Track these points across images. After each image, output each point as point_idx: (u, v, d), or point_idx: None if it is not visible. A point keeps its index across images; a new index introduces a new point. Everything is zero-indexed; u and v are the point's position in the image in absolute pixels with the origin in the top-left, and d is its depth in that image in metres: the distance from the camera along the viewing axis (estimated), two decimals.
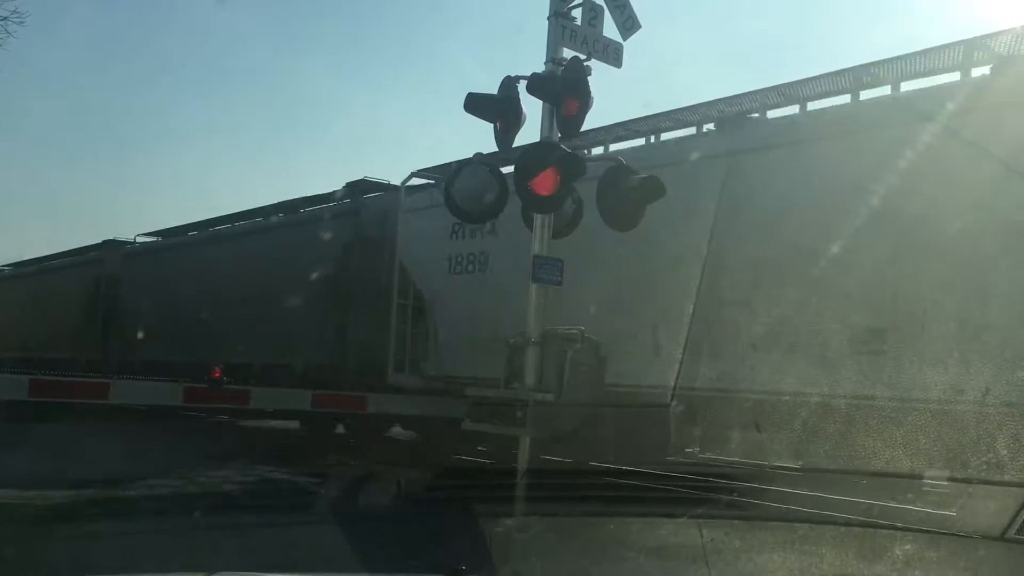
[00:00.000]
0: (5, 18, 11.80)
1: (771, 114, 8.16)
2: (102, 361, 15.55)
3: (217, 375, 7.86)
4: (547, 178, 6.93)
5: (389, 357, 9.83)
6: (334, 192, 12.22)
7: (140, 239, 17.62)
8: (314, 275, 10.81)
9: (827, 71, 7.63)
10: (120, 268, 16.91)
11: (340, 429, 10.89)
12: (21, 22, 11.97)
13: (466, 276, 9.52)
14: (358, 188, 11.84)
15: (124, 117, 57.41)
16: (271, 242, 12.84)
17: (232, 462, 8.08)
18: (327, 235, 11.16)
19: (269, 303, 11.34)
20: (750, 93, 8.17)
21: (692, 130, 8.76)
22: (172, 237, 16.46)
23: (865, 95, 7.49)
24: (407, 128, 55.04)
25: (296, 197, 13.04)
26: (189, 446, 10.10)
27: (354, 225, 11.16)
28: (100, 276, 17.08)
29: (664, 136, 9.06)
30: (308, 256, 11.18)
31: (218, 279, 13.03)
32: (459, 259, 9.64)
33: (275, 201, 13.33)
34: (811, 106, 7.83)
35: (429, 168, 10.47)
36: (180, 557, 4.88)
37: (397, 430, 10.63)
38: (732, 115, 8.30)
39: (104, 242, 18.30)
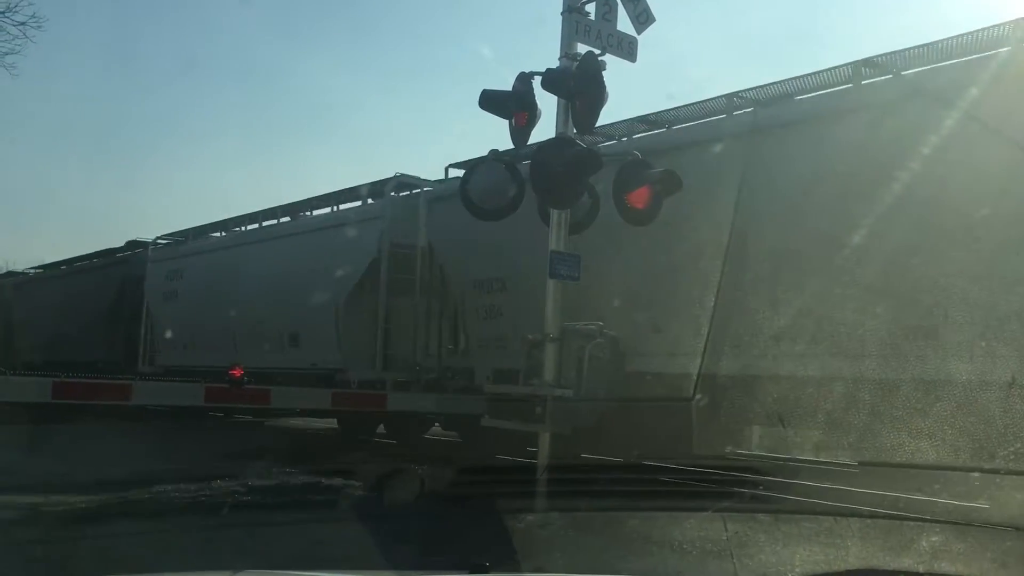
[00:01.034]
0: (24, 23, 11.94)
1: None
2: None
3: (238, 374, 7.89)
4: (563, 174, 6.92)
5: (139, 354, 15.92)
6: (124, 245, 18.55)
7: (29, 270, 24.34)
8: (103, 304, 17.37)
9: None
10: (12, 295, 23.21)
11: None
12: (39, 27, 12.14)
13: (170, 303, 15.67)
14: (133, 245, 18.00)
15: (137, 119, 57.98)
16: (79, 281, 19.67)
17: (255, 460, 8.11)
18: (107, 279, 17.91)
19: (80, 324, 17.75)
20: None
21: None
22: (49, 270, 23.00)
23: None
24: (426, 123, 55.20)
25: (97, 250, 19.97)
26: (212, 444, 10.17)
27: (124, 272, 17.33)
28: (1, 300, 23.52)
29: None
30: (100, 291, 17.75)
31: (53, 306, 19.77)
32: (167, 293, 15.86)
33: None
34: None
35: (171, 233, 17.06)
36: (204, 556, 4.91)
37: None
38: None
39: (6, 272, 25.87)
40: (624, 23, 7.33)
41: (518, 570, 4.49)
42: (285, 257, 12.29)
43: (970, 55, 6.75)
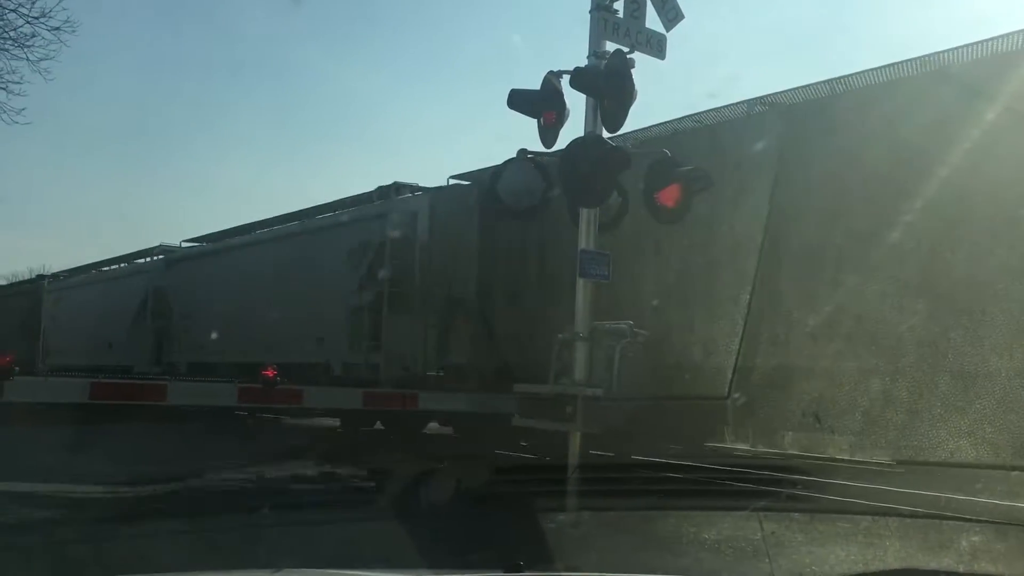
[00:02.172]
0: (58, 28, 12.17)
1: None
2: None
3: (271, 374, 7.95)
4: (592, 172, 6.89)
5: (39, 357, 20.51)
6: (35, 277, 26.34)
7: None
8: (17, 320, 22.75)
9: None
10: None
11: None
12: (73, 31, 12.37)
13: (55, 323, 21.66)
14: (40, 277, 25.33)
15: (166, 122, 58.83)
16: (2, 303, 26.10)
17: (292, 460, 8.20)
18: (19, 302, 24.06)
19: (2, 334, 23.06)
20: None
21: None
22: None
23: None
24: (452, 126, 55.44)
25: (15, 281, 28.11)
26: (249, 444, 10.30)
27: (31, 298, 23.31)
28: None
29: None
30: (17, 310, 23.54)
31: None
32: (53, 315, 21.80)
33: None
34: None
35: (73, 268, 24.15)
36: (241, 555, 4.97)
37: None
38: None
39: None
40: (653, 20, 7.30)
41: (552, 569, 4.47)
42: (106, 295, 19.79)
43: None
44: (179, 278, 16.72)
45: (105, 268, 22.01)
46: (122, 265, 20.78)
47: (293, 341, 12.10)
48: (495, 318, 10.28)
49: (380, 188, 12.06)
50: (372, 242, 11.23)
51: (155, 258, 18.54)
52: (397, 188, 11.82)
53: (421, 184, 11.74)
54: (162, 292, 16.98)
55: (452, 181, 11.50)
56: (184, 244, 18.09)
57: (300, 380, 9.86)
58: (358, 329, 11.11)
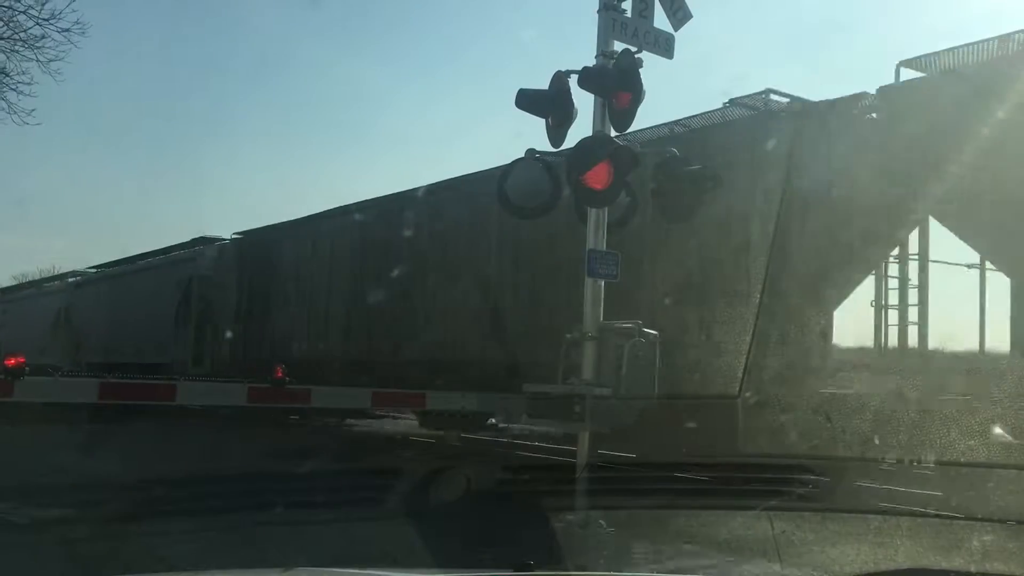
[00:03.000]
0: (68, 29, 12.21)
1: None
2: None
3: (279, 375, 7.95)
4: (600, 172, 6.88)
5: None
6: None
7: None
8: None
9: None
10: None
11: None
12: (83, 32, 12.43)
13: (8, 328, 25.66)
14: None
15: (172, 120, 59.04)
16: None
17: (301, 459, 8.20)
18: None
19: None
20: None
21: None
22: None
23: None
24: (460, 123, 55.41)
25: None
26: (257, 443, 10.32)
27: None
28: None
29: None
30: None
31: None
32: (8, 324, 26.12)
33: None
34: None
35: (16, 284, 31.87)
36: (250, 553, 4.97)
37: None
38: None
39: None
40: (660, 19, 7.28)
41: (562, 568, 4.47)
42: (38, 307, 24.63)
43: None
44: (82, 297, 22.43)
45: (46, 285, 27.64)
46: (55, 283, 26.69)
47: (147, 346, 17.61)
48: (245, 330, 15.25)
49: (194, 239, 18.12)
50: (187, 277, 16.78)
51: (70, 280, 24.67)
52: (204, 239, 17.64)
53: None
54: (72, 308, 22.46)
55: (234, 236, 16.82)
56: (89, 270, 23.83)
57: (150, 374, 13.95)
58: (180, 337, 16.65)
